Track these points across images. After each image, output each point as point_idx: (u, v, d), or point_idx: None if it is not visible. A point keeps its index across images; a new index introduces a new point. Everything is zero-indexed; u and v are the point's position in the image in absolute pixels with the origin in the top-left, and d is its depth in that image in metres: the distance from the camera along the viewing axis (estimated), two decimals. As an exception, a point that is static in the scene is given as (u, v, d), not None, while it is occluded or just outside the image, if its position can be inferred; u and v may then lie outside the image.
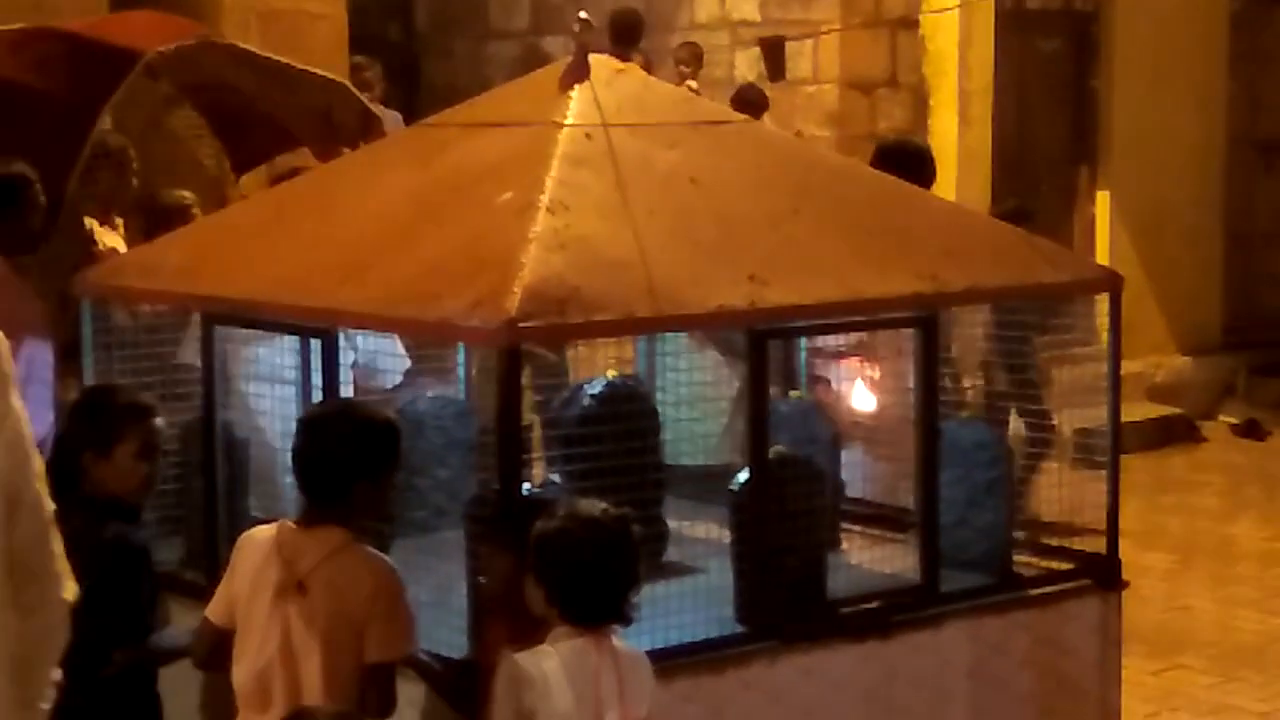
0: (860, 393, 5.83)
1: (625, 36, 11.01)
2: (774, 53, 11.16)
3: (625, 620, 3.88)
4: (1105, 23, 12.61)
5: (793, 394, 5.51)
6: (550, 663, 3.77)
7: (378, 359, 5.66)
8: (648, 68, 10.55)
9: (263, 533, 4.19)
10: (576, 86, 4.75)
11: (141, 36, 7.31)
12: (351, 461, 4.09)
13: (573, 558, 3.81)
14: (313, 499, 4.13)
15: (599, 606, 3.84)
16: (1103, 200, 12.65)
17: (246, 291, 4.69)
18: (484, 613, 4.13)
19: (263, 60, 7.71)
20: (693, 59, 11.66)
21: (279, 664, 4.06)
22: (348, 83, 8.37)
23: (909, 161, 6.47)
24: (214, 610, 4.21)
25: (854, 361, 5.80)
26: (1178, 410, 12.36)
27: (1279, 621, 8.31)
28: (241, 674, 4.12)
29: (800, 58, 11.65)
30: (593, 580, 3.82)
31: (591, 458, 4.54)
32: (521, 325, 4.00)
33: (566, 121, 4.63)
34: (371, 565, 4.10)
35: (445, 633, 4.30)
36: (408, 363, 5.72)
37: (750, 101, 10.50)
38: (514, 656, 3.79)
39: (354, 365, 5.47)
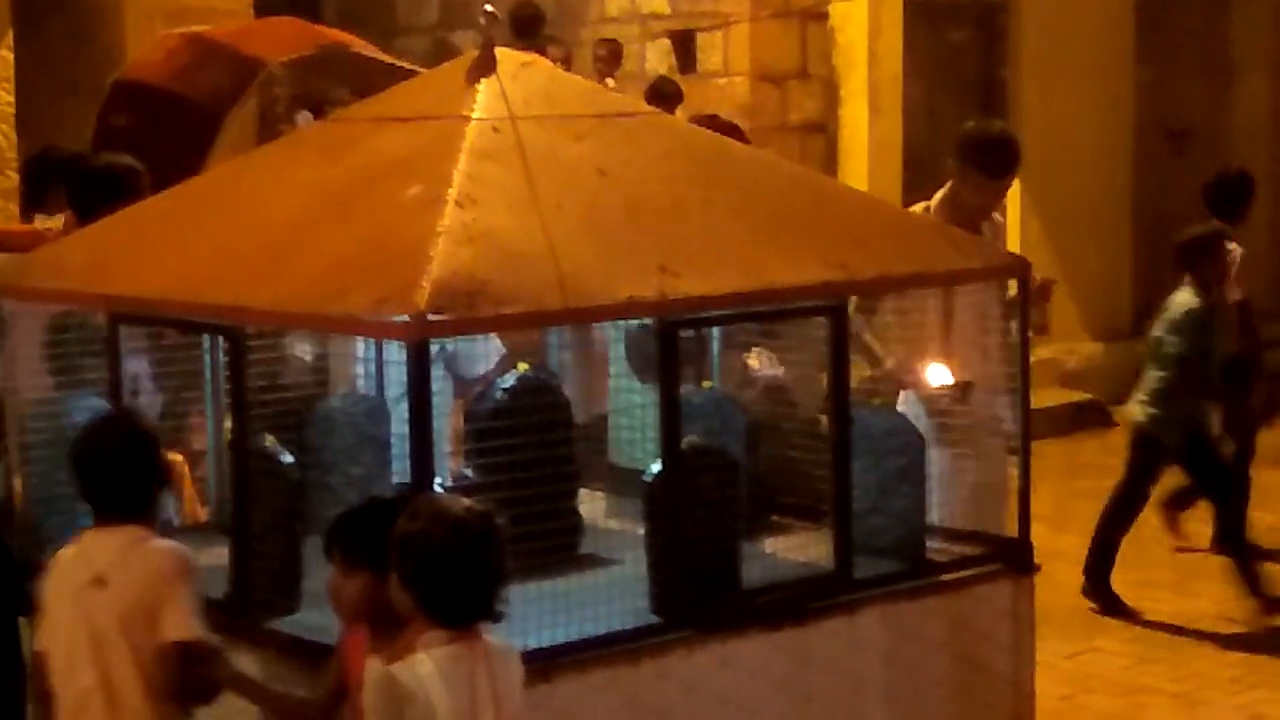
0: (938, 371, 5.88)
1: (525, 30, 11.02)
2: (685, 45, 11.19)
3: (495, 617, 3.78)
4: (1014, 12, 12.70)
5: (705, 384, 5.52)
6: (426, 669, 3.66)
7: (471, 345, 5.67)
8: (566, 63, 10.56)
9: (68, 547, 4.24)
10: (483, 80, 4.74)
11: (274, 46, 7.45)
12: (131, 469, 4.16)
13: (438, 559, 3.68)
14: (99, 507, 4.18)
15: (469, 606, 3.72)
16: (1013, 188, 12.73)
17: (153, 290, 4.66)
18: (342, 630, 4.05)
19: (387, 65, 7.73)
20: (611, 56, 11.68)
21: (88, 657, 4.08)
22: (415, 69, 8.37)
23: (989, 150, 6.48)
24: (38, 639, 4.24)
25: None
26: (1090, 396, 12.47)
27: (1192, 603, 8.40)
28: (57, 676, 4.15)
29: (711, 50, 11.69)
30: (460, 580, 3.70)
31: (504, 451, 4.54)
32: (430, 320, 3.99)
33: (474, 115, 4.62)
34: (164, 550, 4.15)
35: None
36: (502, 348, 5.74)
37: (665, 94, 10.51)
38: (388, 669, 3.67)
39: (443, 351, 5.52)
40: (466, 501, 3.81)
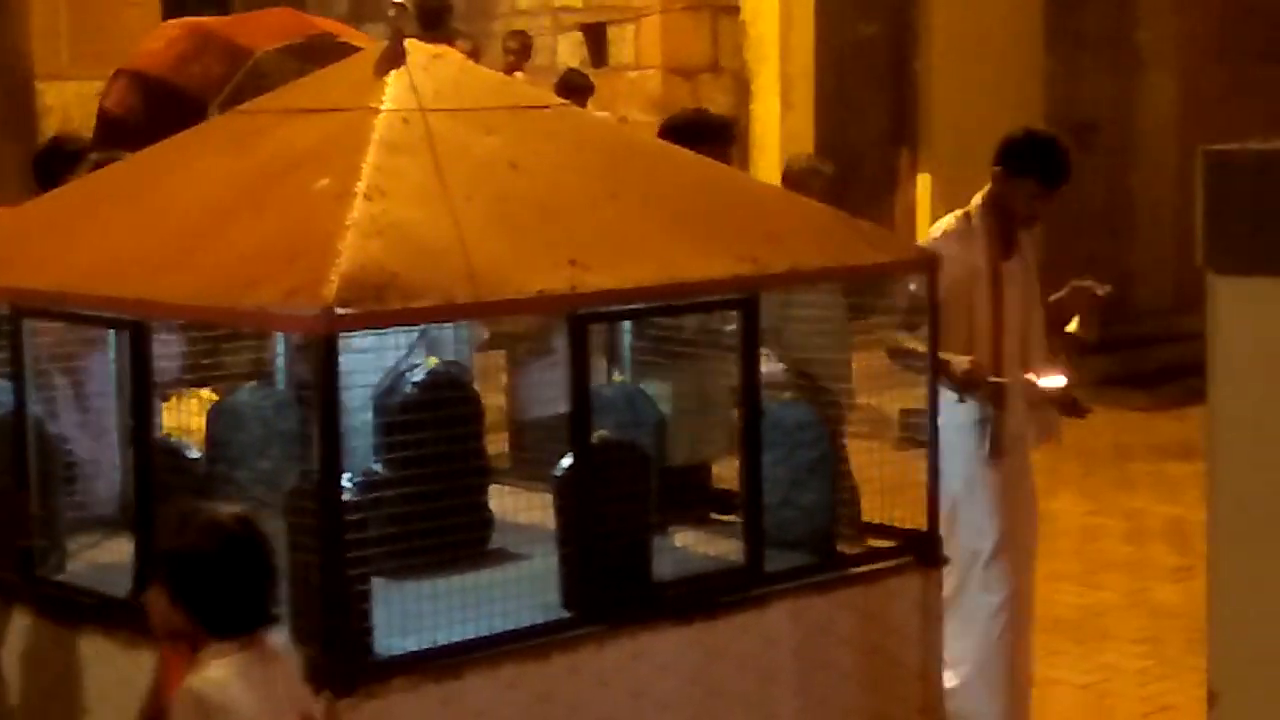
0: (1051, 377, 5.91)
1: (432, 21, 10.98)
2: (596, 38, 11.19)
3: (273, 620, 3.72)
4: (924, 6, 12.78)
5: (616, 378, 5.51)
6: (223, 676, 3.59)
7: (454, 328, 5.63)
8: (474, 55, 10.53)
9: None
10: (393, 72, 4.71)
11: (264, 34, 7.50)
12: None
13: (205, 573, 3.60)
14: None
15: (246, 615, 3.66)
16: (923, 182, 12.83)
17: (57, 283, 4.60)
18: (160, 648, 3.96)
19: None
20: (522, 49, 11.65)
21: None
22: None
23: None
24: None
25: None
26: (998, 389, 12.53)
27: (1098, 595, 8.48)
28: None
29: (622, 43, 11.69)
30: (232, 592, 3.62)
31: (414, 446, 4.51)
32: (339, 313, 3.96)
33: (383, 107, 4.59)
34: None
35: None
36: (485, 333, 5.70)
37: (575, 87, 10.51)
38: (189, 686, 3.59)
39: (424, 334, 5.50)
40: (228, 508, 3.74)
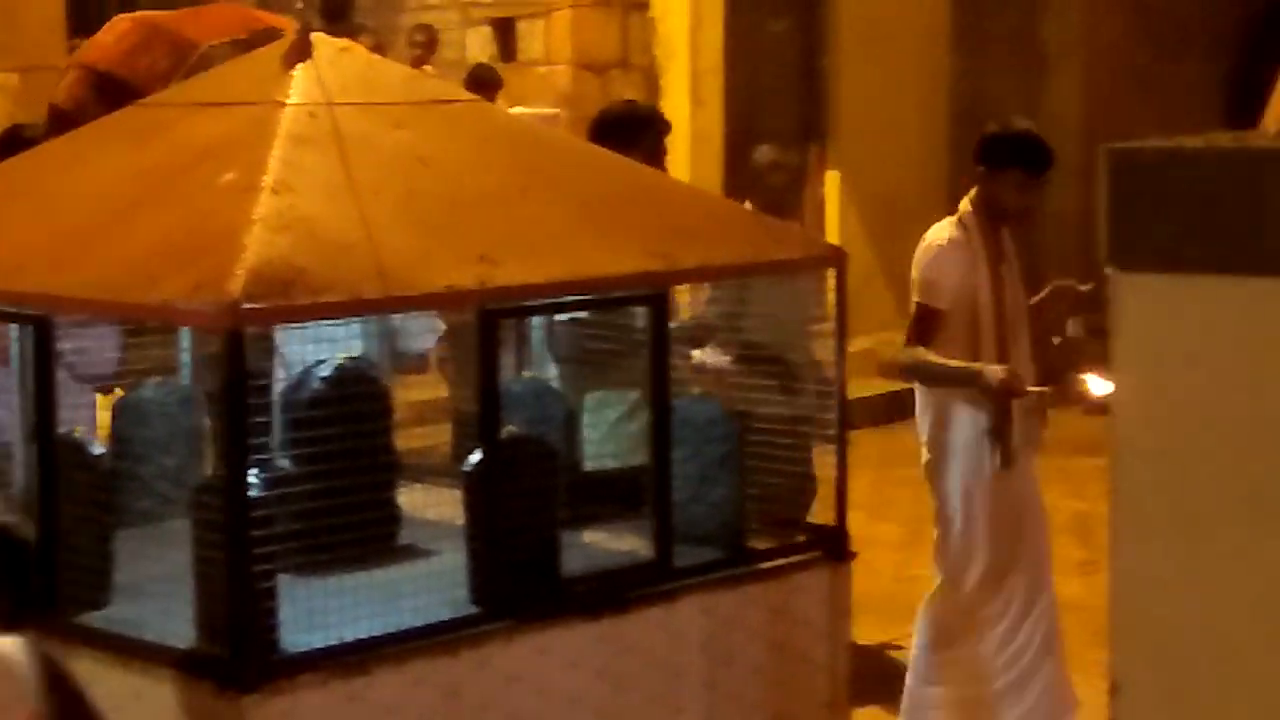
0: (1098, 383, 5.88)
1: (335, 14, 10.93)
2: (506, 33, 11.16)
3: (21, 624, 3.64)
4: (832, 4, 12.83)
5: (525, 374, 5.50)
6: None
7: (413, 321, 5.59)
8: (379, 50, 10.47)
9: None
10: (299, 65, 4.68)
11: (209, 29, 7.57)
12: None
13: None
14: None
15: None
16: (832, 179, 12.88)
17: (-42, 277, 4.54)
18: None
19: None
20: (428, 43, 11.60)
21: None
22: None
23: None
24: None
25: None
26: (907, 385, 12.62)
27: (1006, 587, 8.52)
28: None
29: (532, 38, 11.67)
30: None
31: (322, 441, 4.48)
32: (245, 308, 3.93)
33: (289, 101, 4.56)
34: None
35: (172, 623, 4.22)
36: (442, 326, 5.66)
37: (484, 81, 10.47)
38: None
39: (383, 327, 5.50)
40: None
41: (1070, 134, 14.27)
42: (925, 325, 6.06)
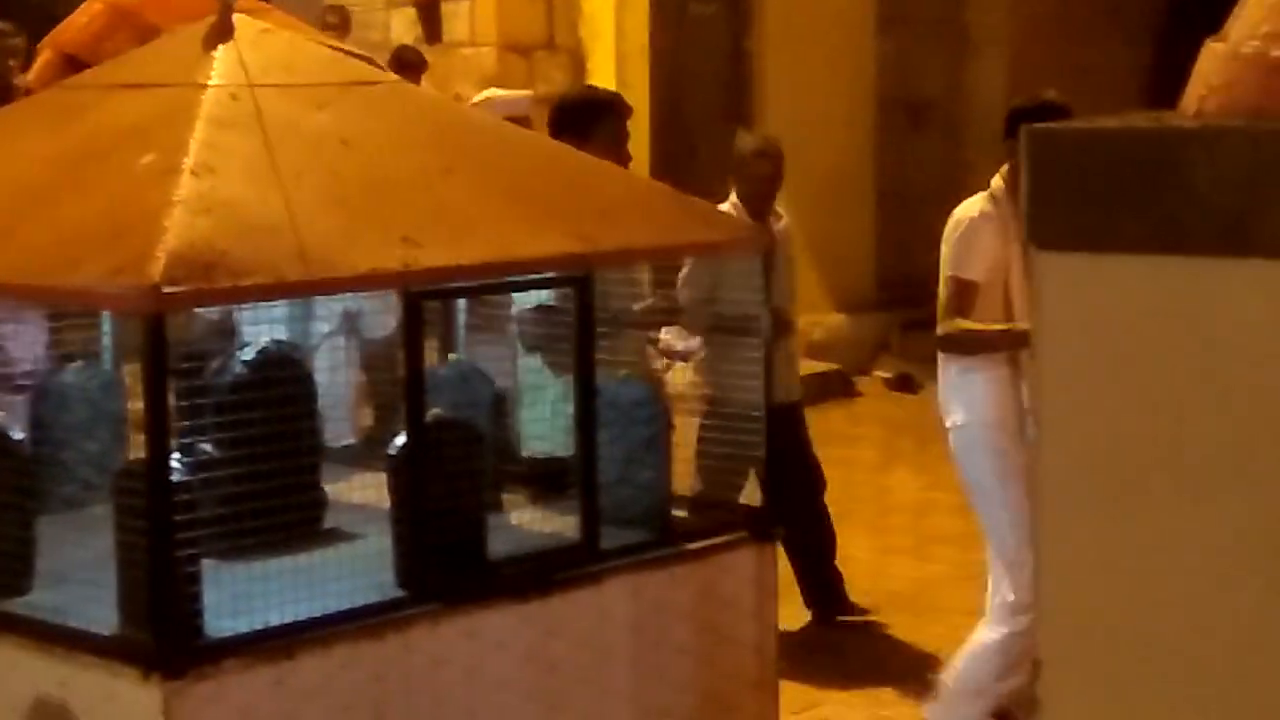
0: None
1: None
2: (430, 14, 11.11)
3: None
4: (758, -14, 12.86)
5: (451, 356, 5.49)
6: None
7: (376, 305, 5.57)
8: (343, 27, 10.42)
9: None
10: (220, 46, 4.64)
11: (174, 14, 7.66)
12: None
13: None
14: None
15: None
16: (760, 161, 12.87)
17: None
18: None
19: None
20: (342, 24, 11.54)
21: None
22: (372, 56, 8.40)
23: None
24: None
25: None
26: (835, 366, 12.69)
27: (932, 568, 8.60)
28: None
29: (457, 19, 11.62)
30: None
31: (245, 425, 4.46)
32: (166, 291, 3.90)
33: (211, 82, 4.52)
34: None
35: (95, 609, 4.19)
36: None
37: (408, 63, 10.43)
38: None
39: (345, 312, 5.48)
40: None
41: (996, 116, 14.34)
42: (961, 297, 6.10)
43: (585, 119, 6.43)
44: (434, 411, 4.58)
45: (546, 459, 5.30)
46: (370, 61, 9.75)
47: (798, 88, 12.83)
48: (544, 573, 4.71)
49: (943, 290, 6.23)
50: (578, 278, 4.76)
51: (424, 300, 4.51)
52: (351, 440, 5.92)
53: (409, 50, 11.01)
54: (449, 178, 4.73)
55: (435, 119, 5.09)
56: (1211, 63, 2.95)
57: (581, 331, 4.78)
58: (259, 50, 4.71)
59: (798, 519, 7.59)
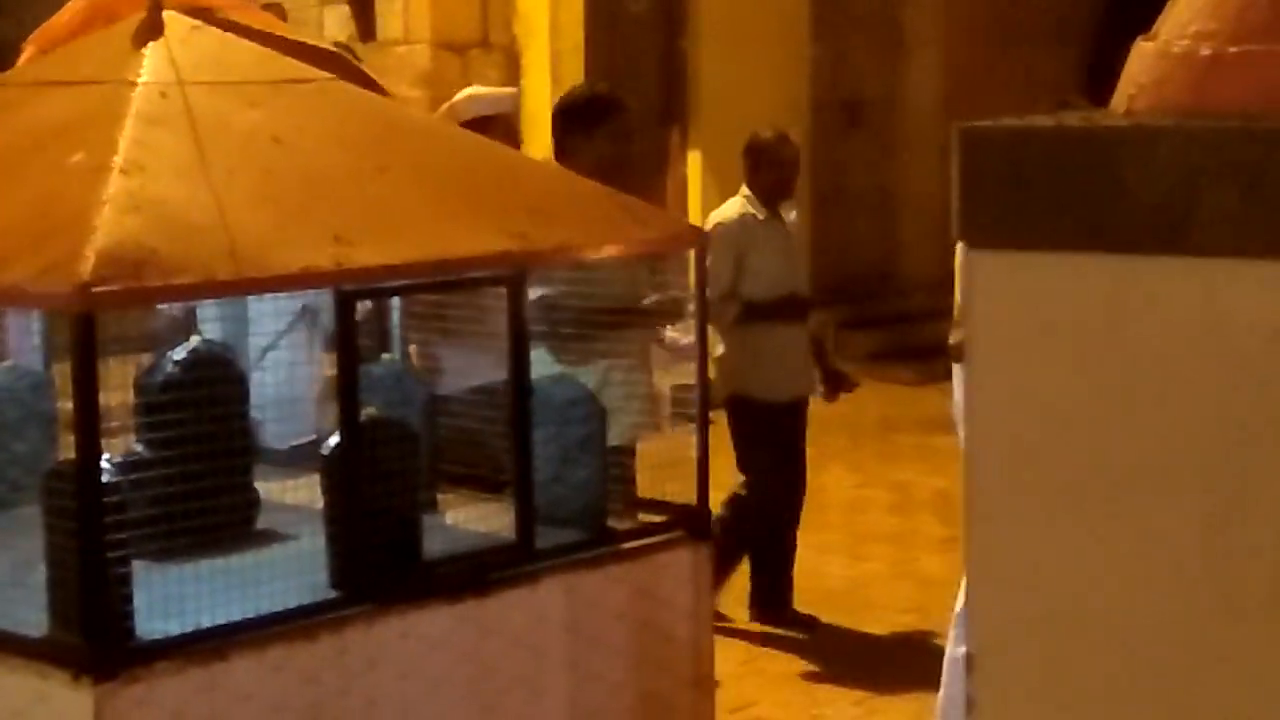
0: None
1: None
2: (364, 11, 11.07)
3: None
4: (693, -15, 12.86)
5: (385, 356, 5.46)
6: None
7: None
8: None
9: None
10: (150, 44, 4.60)
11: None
12: None
13: None
14: None
15: None
16: (694, 160, 12.92)
17: None
18: None
19: (257, 33, 7.88)
20: (277, 18, 11.48)
21: None
22: (345, 53, 8.38)
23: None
24: None
25: None
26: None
27: (866, 566, 8.62)
28: None
29: (391, 17, 11.58)
30: None
31: (176, 425, 4.42)
32: (95, 290, 3.87)
33: (140, 80, 4.48)
34: None
35: (25, 611, 4.15)
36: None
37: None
38: None
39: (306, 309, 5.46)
40: None
41: (930, 115, 14.40)
42: None
43: (590, 118, 6.47)
44: (368, 411, 4.55)
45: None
46: (350, 53, 9.82)
47: (733, 87, 12.85)
48: (479, 573, 4.69)
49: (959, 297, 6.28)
50: (511, 276, 4.75)
51: (357, 299, 4.49)
52: (313, 437, 5.98)
53: (342, 48, 10.96)
54: (382, 176, 4.71)
55: (369, 117, 5.06)
56: (1141, 61, 2.96)
57: (515, 330, 4.77)
58: (189, 47, 4.67)
59: (776, 518, 7.61)
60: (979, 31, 14.28)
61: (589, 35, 11.94)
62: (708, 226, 7.83)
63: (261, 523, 4.90)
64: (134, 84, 4.46)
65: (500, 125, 7.23)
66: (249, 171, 4.42)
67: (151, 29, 4.62)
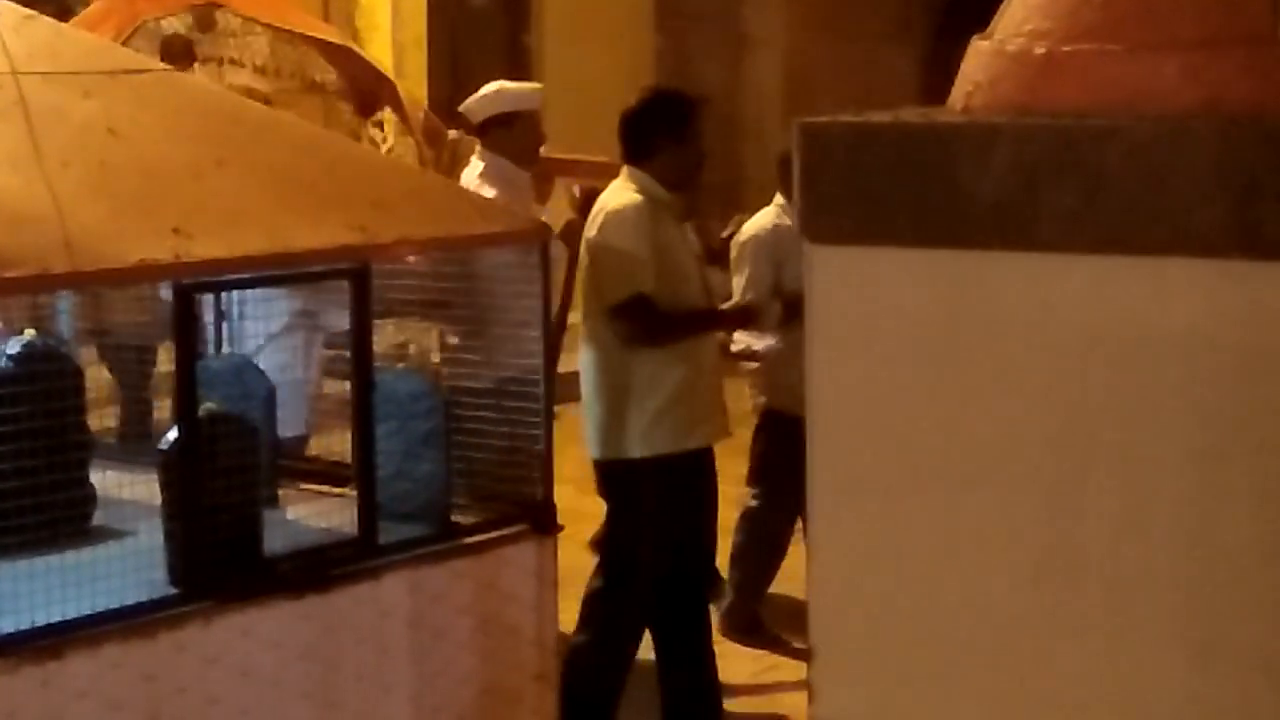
0: None
1: None
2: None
3: None
4: (536, -21, 12.86)
5: (224, 350, 5.41)
6: None
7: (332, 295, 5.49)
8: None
9: None
10: (-18, 32, 4.52)
11: (158, 2, 7.64)
12: None
13: None
14: None
15: None
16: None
17: None
18: None
19: (263, 27, 7.86)
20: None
21: None
22: (352, 45, 8.23)
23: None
24: None
25: None
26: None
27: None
28: None
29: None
30: None
31: (10, 421, 4.35)
32: (-75, 283, 3.79)
33: (-28, 69, 4.41)
34: None
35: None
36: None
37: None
38: None
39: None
40: None
41: (772, 111, 14.50)
42: None
43: (677, 119, 6.51)
44: (207, 405, 4.50)
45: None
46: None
47: (576, 80, 12.83)
48: (321, 568, 4.66)
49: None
50: (353, 270, 4.72)
51: (195, 293, 4.44)
52: (304, 433, 6.01)
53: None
54: (221, 169, 4.66)
55: (207, 109, 5.01)
56: (977, 59, 3.00)
57: (358, 323, 4.74)
58: (23, 37, 4.60)
59: (777, 539, 7.54)
60: (820, 27, 14.40)
61: (432, 28, 11.89)
62: (743, 238, 7.59)
63: (98, 519, 4.83)
64: (-35, 73, 4.38)
65: (525, 121, 7.21)
66: (85, 163, 4.36)
67: (-18, 17, 4.54)
